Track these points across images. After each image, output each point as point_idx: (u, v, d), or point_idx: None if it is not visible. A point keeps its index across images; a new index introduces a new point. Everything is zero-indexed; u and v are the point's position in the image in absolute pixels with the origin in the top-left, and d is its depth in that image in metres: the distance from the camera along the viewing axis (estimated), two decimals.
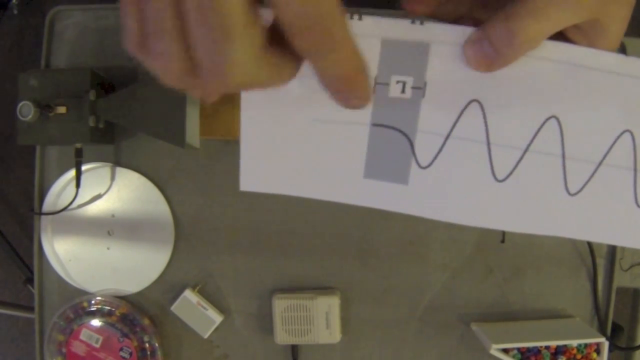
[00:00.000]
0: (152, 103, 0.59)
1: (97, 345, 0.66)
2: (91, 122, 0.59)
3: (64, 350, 0.67)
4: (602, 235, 0.28)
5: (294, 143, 0.28)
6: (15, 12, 1.39)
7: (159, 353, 0.67)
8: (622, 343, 0.72)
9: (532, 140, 0.26)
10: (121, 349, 0.66)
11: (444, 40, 0.25)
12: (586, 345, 0.61)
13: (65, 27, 0.67)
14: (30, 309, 0.85)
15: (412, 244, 0.67)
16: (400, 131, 0.27)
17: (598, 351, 0.62)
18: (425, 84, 0.26)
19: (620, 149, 0.26)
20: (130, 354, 0.66)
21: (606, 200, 0.27)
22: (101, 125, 0.61)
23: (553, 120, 0.26)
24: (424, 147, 0.27)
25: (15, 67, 1.39)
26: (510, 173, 0.27)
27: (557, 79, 0.25)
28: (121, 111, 0.60)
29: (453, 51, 0.25)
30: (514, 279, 0.67)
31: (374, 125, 0.27)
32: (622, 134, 0.26)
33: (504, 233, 0.67)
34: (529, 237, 0.67)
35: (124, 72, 0.66)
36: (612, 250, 0.67)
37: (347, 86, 0.22)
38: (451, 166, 0.27)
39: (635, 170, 0.27)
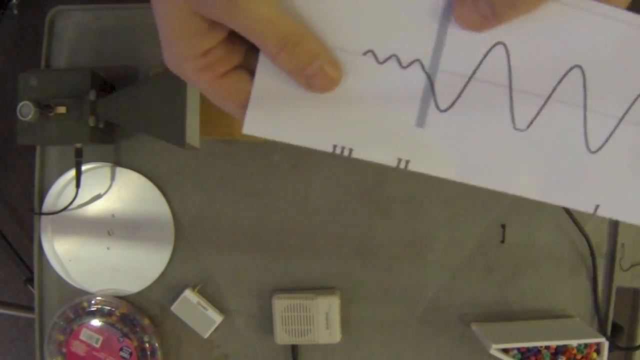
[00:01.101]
0: (152, 103, 0.59)
1: (97, 345, 0.66)
2: (91, 122, 0.59)
3: (64, 350, 0.67)
4: (619, 205, 0.26)
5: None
6: (15, 12, 1.38)
7: (159, 353, 0.67)
8: (622, 343, 0.72)
9: (555, 89, 0.26)
10: (121, 349, 0.66)
11: None
12: (586, 345, 0.61)
13: (65, 27, 0.67)
14: (30, 309, 0.85)
15: (412, 244, 0.67)
16: (421, 65, 0.26)
17: (598, 351, 0.62)
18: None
19: None
20: (130, 354, 0.66)
21: (628, 161, 0.26)
22: (101, 125, 0.61)
23: (577, 70, 0.25)
24: (445, 89, 0.26)
25: (15, 67, 1.39)
26: (531, 122, 0.26)
27: (586, 29, 0.25)
28: (121, 111, 0.60)
29: None
30: (514, 279, 0.67)
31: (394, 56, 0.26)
32: None
33: (504, 233, 0.67)
34: (529, 236, 0.67)
35: (124, 72, 0.66)
36: (612, 250, 0.67)
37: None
38: (470, 111, 0.26)
39: None
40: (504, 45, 0.25)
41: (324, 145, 0.27)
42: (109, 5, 0.66)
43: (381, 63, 0.26)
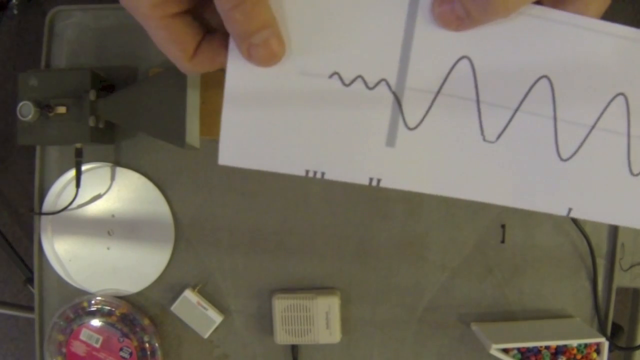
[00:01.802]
0: (152, 103, 0.59)
1: (97, 345, 0.66)
2: (91, 122, 0.59)
3: (64, 350, 0.67)
4: (591, 207, 0.27)
5: (276, 102, 0.27)
6: (15, 12, 1.38)
7: (159, 353, 0.67)
8: (622, 343, 0.72)
9: (523, 100, 0.26)
10: (121, 349, 0.66)
11: None
12: (586, 345, 0.61)
13: (65, 27, 0.67)
14: (30, 309, 0.85)
15: (411, 244, 0.67)
16: (387, 85, 0.26)
17: (598, 351, 0.62)
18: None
19: (613, 113, 0.26)
20: (130, 354, 0.66)
21: (599, 167, 0.26)
22: (101, 125, 0.61)
23: (544, 80, 0.25)
24: (412, 106, 0.26)
25: (15, 67, 1.39)
26: (500, 134, 0.26)
27: (550, 38, 0.25)
28: (121, 111, 0.60)
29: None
30: (513, 279, 0.67)
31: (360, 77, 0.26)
32: (615, 97, 0.25)
33: (503, 233, 0.67)
34: (529, 236, 0.67)
35: (124, 72, 0.66)
36: (612, 250, 0.67)
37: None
38: (439, 126, 0.26)
39: (628, 135, 0.26)
40: (469, 59, 0.25)
41: (296, 170, 0.28)
42: (109, 5, 0.66)
43: (347, 85, 0.26)
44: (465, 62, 0.25)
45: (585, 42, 0.25)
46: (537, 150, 0.26)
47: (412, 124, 0.27)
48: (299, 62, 0.26)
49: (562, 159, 0.26)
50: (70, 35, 0.67)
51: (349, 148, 0.27)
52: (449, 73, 0.26)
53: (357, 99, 0.26)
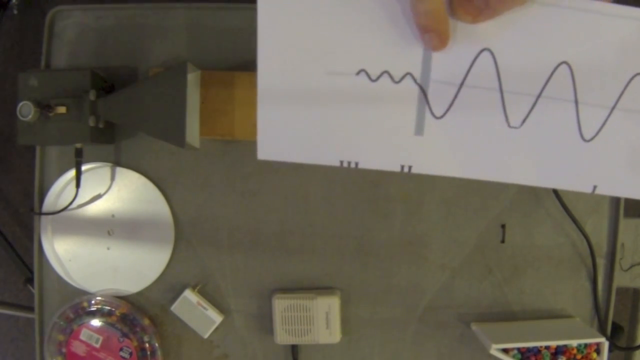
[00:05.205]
0: (152, 103, 0.59)
1: (97, 345, 0.66)
2: (91, 122, 0.59)
3: (64, 350, 0.67)
4: (615, 184, 0.28)
5: (307, 99, 0.28)
6: (15, 12, 1.38)
7: (159, 353, 0.67)
8: (622, 343, 0.72)
9: (544, 87, 0.27)
10: (121, 349, 0.66)
11: None
12: (586, 345, 0.61)
13: (65, 27, 0.67)
14: (30, 309, 0.85)
15: (411, 243, 0.67)
16: (412, 78, 0.28)
17: (598, 351, 0.62)
18: None
19: (632, 92, 0.26)
20: (130, 354, 0.66)
21: (621, 145, 0.27)
22: (101, 125, 0.61)
23: (564, 66, 0.26)
24: (438, 97, 0.28)
25: (15, 67, 1.39)
26: (525, 120, 0.27)
27: (567, 25, 0.26)
28: (121, 111, 0.60)
29: None
30: (513, 279, 0.67)
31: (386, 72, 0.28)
32: (634, 77, 0.26)
33: (503, 233, 0.67)
34: (529, 236, 0.67)
35: (124, 72, 0.66)
36: (612, 250, 0.67)
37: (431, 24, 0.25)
38: (465, 115, 0.28)
39: None
40: (490, 51, 0.27)
41: (331, 161, 0.29)
42: (109, 5, 0.66)
43: (374, 80, 0.28)
44: (486, 54, 0.26)
45: (601, 26, 0.25)
46: (560, 133, 0.27)
47: (438, 113, 0.28)
48: (327, 62, 0.27)
49: (585, 140, 0.27)
50: (70, 35, 0.67)
51: (380, 138, 0.29)
52: (471, 66, 0.27)
53: (385, 93, 0.28)
